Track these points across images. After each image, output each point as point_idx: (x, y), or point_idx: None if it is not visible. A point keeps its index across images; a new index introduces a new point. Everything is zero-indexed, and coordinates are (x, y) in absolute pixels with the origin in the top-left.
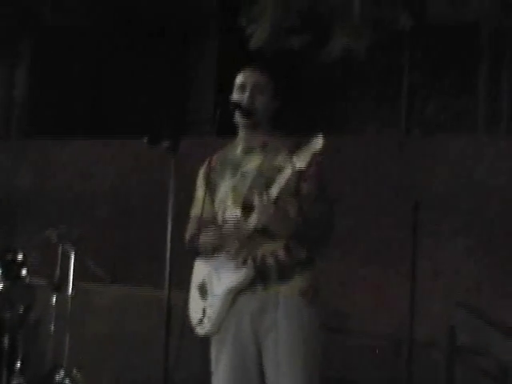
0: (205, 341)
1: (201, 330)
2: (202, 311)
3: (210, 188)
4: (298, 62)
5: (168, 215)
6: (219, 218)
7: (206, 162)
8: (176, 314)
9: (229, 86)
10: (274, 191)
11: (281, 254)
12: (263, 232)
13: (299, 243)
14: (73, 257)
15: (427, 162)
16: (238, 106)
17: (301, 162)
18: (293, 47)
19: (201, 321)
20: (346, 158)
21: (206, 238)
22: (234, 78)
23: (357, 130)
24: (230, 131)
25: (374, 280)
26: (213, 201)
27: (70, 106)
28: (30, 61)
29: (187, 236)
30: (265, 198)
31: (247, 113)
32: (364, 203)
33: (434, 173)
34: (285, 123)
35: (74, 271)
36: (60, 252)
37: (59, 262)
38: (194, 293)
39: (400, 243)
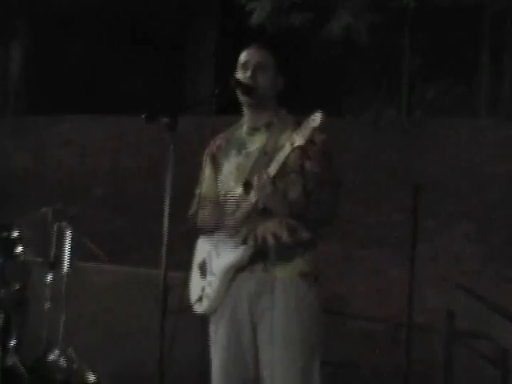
0: (203, 319)
1: (199, 308)
2: (201, 289)
3: (215, 167)
4: (299, 40)
5: (166, 195)
6: (222, 196)
7: (212, 141)
8: (174, 294)
9: (229, 64)
10: (273, 169)
11: (282, 234)
12: (264, 211)
13: (302, 224)
14: (69, 235)
15: (428, 145)
16: (239, 83)
17: (299, 138)
18: (293, 25)
19: (199, 299)
20: (344, 140)
21: (206, 214)
22: (233, 55)
23: (356, 112)
24: (229, 110)
25: (372, 263)
26: (217, 179)
27: (66, 83)
28: (26, 38)
29: (190, 212)
30: (264, 176)
31: (249, 91)
32: (363, 186)
33: (435, 156)
34: (289, 103)
35: (69, 249)
36: (55, 230)
37: (54, 240)
38: (194, 271)
39: (399, 227)
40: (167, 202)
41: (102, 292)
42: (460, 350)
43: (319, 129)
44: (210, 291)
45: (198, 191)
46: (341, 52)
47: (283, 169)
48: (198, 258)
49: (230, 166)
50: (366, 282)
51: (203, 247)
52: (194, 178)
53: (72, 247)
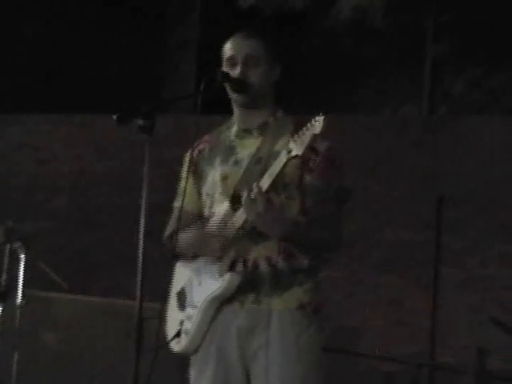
0: (182, 360)
1: (177, 347)
2: (179, 324)
3: (197, 176)
4: (301, 26)
5: (141, 209)
6: (206, 213)
7: (194, 145)
8: (149, 329)
9: (214, 55)
10: (266, 183)
11: (277, 258)
12: (255, 231)
13: (301, 247)
14: (23, 258)
15: (454, 148)
16: (227, 77)
17: (297, 147)
18: (294, 8)
19: (177, 335)
20: (356, 143)
21: (187, 236)
22: (220, 44)
23: (370, 110)
24: (217, 108)
25: (388, 291)
26: (199, 192)
27: (19, 76)
28: None
29: (166, 233)
30: (255, 190)
31: (239, 88)
32: (378, 198)
33: (463, 161)
34: (289, 99)
35: (24, 276)
36: (7, 253)
37: (6, 264)
38: (172, 302)
39: (421, 247)
40: (143, 216)
41: (64, 326)
42: None
43: (321, 135)
44: (189, 326)
45: (176, 205)
46: (352, 38)
47: (279, 182)
48: (176, 286)
49: (215, 175)
50: (380, 314)
51: (182, 273)
52: (174, 188)
53: (27, 273)
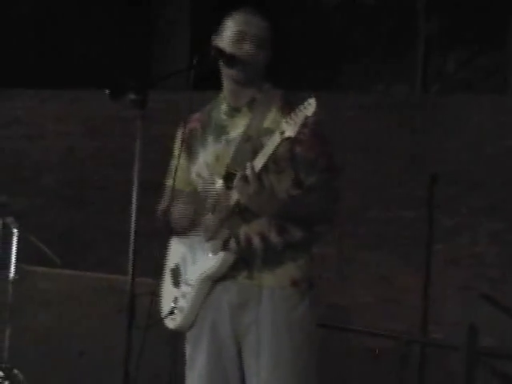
0: (175, 336)
1: (171, 323)
2: (173, 301)
3: (189, 155)
4: (290, 4)
5: (133, 185)
6: (198, 191)
7: (185, 123)
8: (140, 304)
9: (207, 26)
10: (259, 163)
11: (270, 234)
12: (247, 210)
13: (294, 221)
14: (15, 233)
15: (447, 126)
16: (233, 59)
17: (290, 129)
18: None
19: (171, 312)
20: (347, 121)
21: (179, 210)
22: (213, 15)
23: (361, 88)
24: (211, 83)
25: (379, 268)
26: (191, 170)
27: (8, 51)
28: None
29: (159, 209)
30: (247, 170)
31: (232, 64)
32: (369, 176)
33: (454, 140)
34: (276, 79)
35: (16, 251)
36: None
37: None
38: (166, 279)
39: (412, 224)
40: (135, 193)
41: (56, 302)
42: (483, 372)
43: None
44: (183, 303)
45: (169, 183)
46: (342, 16)
47: (271, 160)
48: (170, 263)
49: (207, 155)
50: (371, 291)
51: (177, 249)
52: (166, 165)
53: (19, 248)
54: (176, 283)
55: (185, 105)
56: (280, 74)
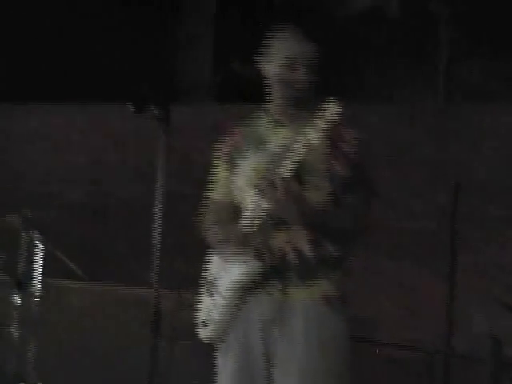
0: (201, 348)
1: (203, 334)
2: (207, 312)
3: (230, 166)
4: (313, 13)
5: (157, 198)
6: (237, 202)
7: (228, 135)
8: (165, 317)
9: (229, 42)
10: (285, 170)
11: (304, 248)
12: (280, 219)
13: (328, 236)
14: (40, 248)
15: (470, 136)
16: (288, 83)
17: (313, 134)
18: None
19: (204, 323)
20: (370, 130)
21: (216, 221)
22: (235, 30)
23: (384, 97)
24: (233, 98)
25: (403, 278)
26: (232, 181)
27: (34, 65)
28: None
29: (203, 225)
30: (276, 178)
31: (295, 91)
32: (392, 186)
33: (478, 149)
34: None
35: (41, 265)
36: (24, 242)
37: (23, 254)
38: (204, 291)
39: (436, 234)
40: (159, 207)
41: (81, 315)
42: (508, 383)
43: (337, 121)
44: (215, 315)
45: (211, 196)
46: (365, 23)
47: (303, 169)
48: (207, 274)
49: (246, 166)
50: (395, 301)
51: (214, 261)
52: (190, 178)
53: (44, 263)
54: (211, 294)
55: (208, 118)
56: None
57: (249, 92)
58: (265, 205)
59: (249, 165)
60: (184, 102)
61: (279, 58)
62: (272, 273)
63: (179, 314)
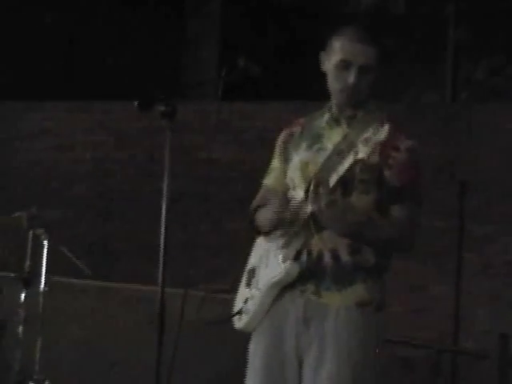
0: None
1: (237, 323)
2: (243, 301)
3: (285, 158)
4: (319, 11)
5: (163, 197)
6: (290, 194)
7: (288, 127)
8: (170, 314)
9: (235, 39)
10: (333, 179)
11: (342, 253)
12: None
13: (368, 244)
14: (46, 245)
15: (476, 135)
16: (341, 89)
17: (363, 151)
18: None
19: (240, 312)
20: None
21: (266, 213)
22: (242, 26)
23: (391, 96)
24: (239, 95)
25: (410, 277)
26: (286, 172)
27: (40, 63)
28: None
29: (250, 207)
30: (321, 185)
31: (347, 93)
32: None
33: (485, 148)
34: (306, 87)
35: (47, 262)
36: (30, 239)
37: (29, 251)
38: (243, 279)
39: (443, 233)
40: (164, 203)
41: (87, 313)
42: None
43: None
44: (251, 306)
45: (264, 182)
46: (371, 22)
47: (349, 177)
48: (249, 263)
49: (298, 160)
50: (402, 300)
51: (257, 251)
52: (196, 175)
53: (49, 260)
54: (249, 284)
55: (213, 115)
56: (308, 82)
57: (254, 90)
58: (309, 208)
59: (300, 158)
60: (190, 99)
61: (334, 59)
62: (308, 274)
63: (185, 312)
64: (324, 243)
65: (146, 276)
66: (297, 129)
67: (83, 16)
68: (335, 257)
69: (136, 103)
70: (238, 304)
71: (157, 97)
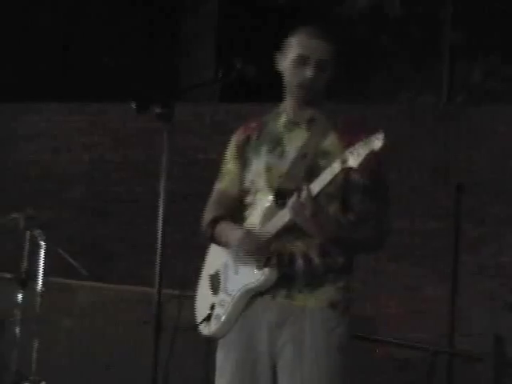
0: (202, 345)
1: (205, 330)
2: (209, 307)
3: (241, 162)
4: (316, 14)
5: (159, 198)
6: (249, 199)
7: (241, 129)
8: (166, 315)
9: (231, 40)
10: (316, 187)
11: (313, 256)
12: (296, 228)
13: (342, 246)
14: (43, 246)
15: (472, 136)
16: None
17: (353, 159)
18: None
19: (207, 318)
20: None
21: (226, 232)
22: (238, 28)
23: (387, 98)
24: (236, 96)
25: (405, 279)
26: (243, 177)
27: (35, 64)
28: None
29: (205, 218)
30: (304, 193)
31: (305, 91)
32: (394, 186)
33: (480, 150)
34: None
35: (44, 263)
36: (27, 240)
37: (26, 252)
38: (203, 283)
39: (438, 235)
40: (161, 204)
41: (82, 313)
42: (510, 381)
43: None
44: (220, 312)
45: (217, 186)
46: (368, 26)
47: (329, 185)
48: (209, 268)
49: (260, 164)
50: (397, 302)
51: (218, 255)
52: (192, 176)
53: (46, 261)
54: (215, 290)
55: (210, 117)
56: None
57: (251, 91)
58: (286, 216)
59: (261, 162)
60: (187, 100)
61: (290, 56)
62: (280, 278)
63: (181, 314)
64: (295, 247)
65: (143, 277)
66: (251, 133)
67: (79, 18)
68: (307, 260)
69: (133, 105)
70: (203, 310)
71: (153, 98)
